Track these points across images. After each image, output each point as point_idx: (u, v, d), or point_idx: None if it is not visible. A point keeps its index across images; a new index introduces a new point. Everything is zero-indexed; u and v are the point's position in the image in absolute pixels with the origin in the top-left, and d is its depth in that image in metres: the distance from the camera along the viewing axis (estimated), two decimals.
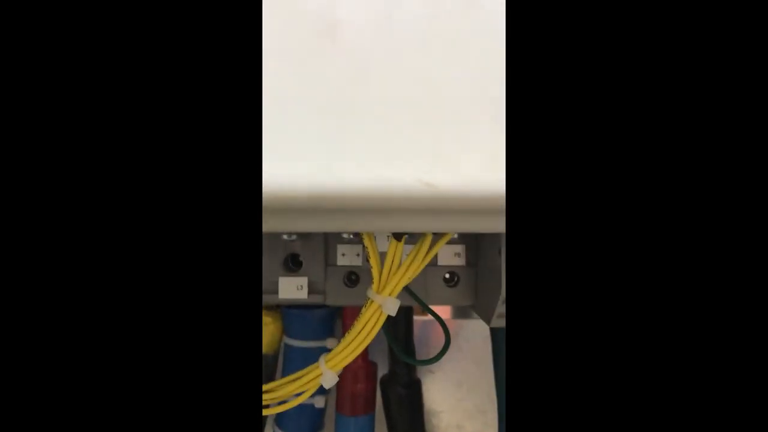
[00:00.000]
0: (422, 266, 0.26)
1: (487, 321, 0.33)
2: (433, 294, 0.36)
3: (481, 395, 0.63)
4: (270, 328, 0.43)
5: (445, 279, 0.36)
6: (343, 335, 0.44)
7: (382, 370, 0.46)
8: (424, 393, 0.62)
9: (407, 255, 0.26)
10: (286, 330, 0.42)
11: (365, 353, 0.43)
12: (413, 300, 0.34)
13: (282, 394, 0.29)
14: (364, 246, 0.35)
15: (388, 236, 0.27)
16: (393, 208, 0.19)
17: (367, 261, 0.27)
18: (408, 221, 0.21)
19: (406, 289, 0.34)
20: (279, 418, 0.43)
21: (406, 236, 0.25)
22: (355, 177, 0.18)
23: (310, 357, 0.42)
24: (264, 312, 0.40)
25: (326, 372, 0.27)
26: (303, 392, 0.29)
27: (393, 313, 0.26)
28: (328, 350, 0.42)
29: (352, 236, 0.35)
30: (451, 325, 0.62)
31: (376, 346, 0.50)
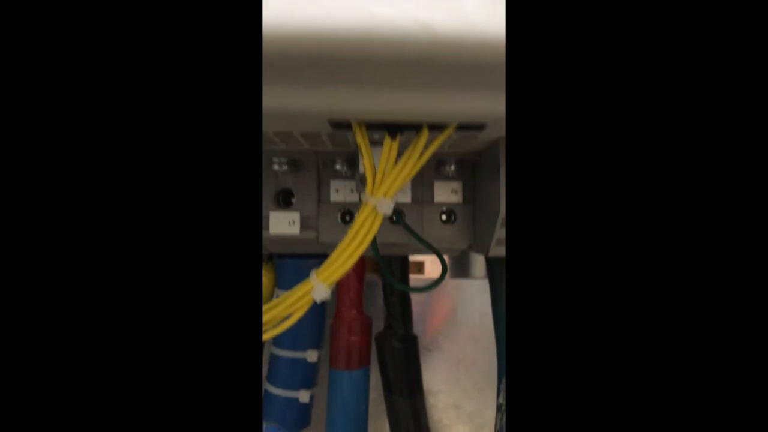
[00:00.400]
0: (419, 166, 0.25)
1: (486, 251, 0.32)
2: (430, 232, 0.35)
3: (480, 374, 0.62)
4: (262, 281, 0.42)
5: (441, 217, 0.35)
6: (337, 290, 0.43)
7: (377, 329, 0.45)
8: (423, 372, 0.60)
9: (402, 156, 0.25)
10: (279, 281, 0.41)
11: (360, 306, 0.42)
12: (410, 235, 0.33)
13: (272, 316, 0.27)
14: (357, 184, 0.34)
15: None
16: (384, 56, 0.18)
17: (362, 181, 0.26)
18: (400, 85, 0.20)
19: (404, 224, 0.33)
20: (270, 375, 0.41)
21: (401, 135, 0.24)
22: (341, 15, 0.17)
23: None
24: None
25: (317, 285, 0.26)
26: (294, 312, 0.27)
27: (389, 213, 0.25)
28: (322, 303, 0.41)
29: (345, 168, 0.34)
30: (449, 292, 0.60)
31: (371, 305, 0.49)
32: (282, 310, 0.28)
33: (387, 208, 0.25)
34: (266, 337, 0.29)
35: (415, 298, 0.63)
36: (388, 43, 0.17)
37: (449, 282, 0.60)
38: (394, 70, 0.19)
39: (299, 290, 0.27)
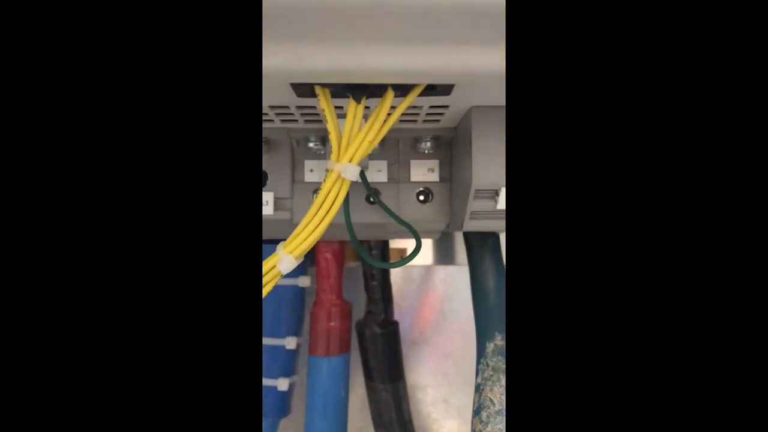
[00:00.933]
0: (385, 129, 0.24)
1: (460, 226, 0.31)
2: (407, 212, 0.34)
3: (468, 367, 0.61)
4: None
5: (419, 198, 0.34)
6: (316, 276, 0.42)
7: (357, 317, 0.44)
8: (411, 367, 0.59)
9: (367, 120, 0.24)
10: None
11: (339, 292, 0.41)
12: (385, 213, 0.32)
13: None
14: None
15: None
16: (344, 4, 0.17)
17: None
18: (361, 38, 0.19)
19: (379, 202, 0.32)
20: None
21: (365, 98, 0.24)
22: None
23: (283, 297, 0.40)
24: None
25: (284, 257, 0.25)
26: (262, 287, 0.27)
27: (355, 178, 0.24)
28: (301, 289, 0.40)
29: (319, 144, 0.33)
30: (436, 285, 0.60)
31: (351, 292, 0.48)
32: None
33: (352, 174, 0.24)
34: None
35: (402, 291, 0.62)
36: None
37: (436, 274, 0.60)
38: (354, 22, 0.18)
39: (265, 264, 0.26)
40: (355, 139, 0.24)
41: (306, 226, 0.25)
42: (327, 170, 0.25)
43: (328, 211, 0.25)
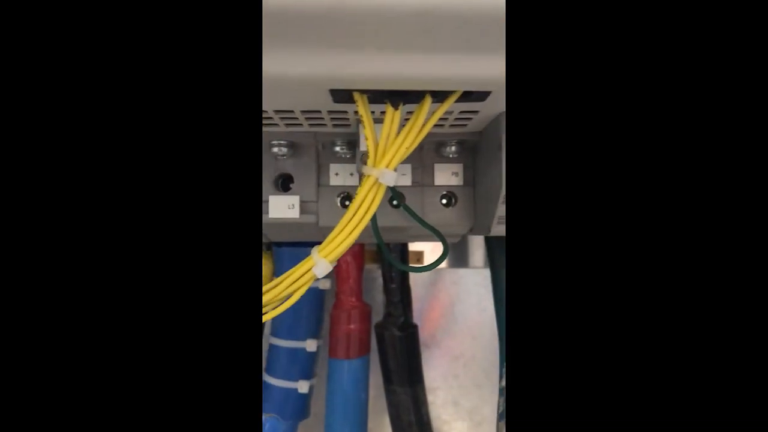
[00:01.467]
0: (422, 135, 0.25)
1: (487, 230, 0.31)
2: (431, 216, 0.34)
3: (478, 370, 0.61)
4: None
5: (442, 201, 0.35)
6: (335, 276, 0.42)
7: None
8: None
9: (404, 127, 0.25)
10: (277, 270, 0.41)
11: (359, 294, 0.41)
12: (410, 218, 0.32)
13: (272, 297, 0.27)
14: (357, 164, 0.34)
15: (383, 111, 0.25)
16: (387, 14, 0.17)
17: (363, 159, 0.26)
18: (403, 47, 0.20)
19: (405, 206, 0.33)
20: (269, 365, 0.41)
21: (403, 105, 0.24)
22: None
23: (303, 300, 0.41)
24: None
25: (319, 261, 0.25)
26: (296, 291, 0.27)
27: (391, 184, 0.24)
28: (321, 291, 0.41)
29: (345, 149, 0.33)
30: (446, 287, 0.60)
31: (371, 297, 0.49)
32: (282, 290, 0.27)
33: (389, 180, 0.24)
34: (266, 317, 0.28)
35: (413, 293, 0.62)
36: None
37: (447, 276, 0.60)
38: (396, 30, 0.19)
39: (300, 268, 0.26)
40: (392, 145, 0.24)
41: (341, 231, 0.25)
42: (363, 175, 0.25)
43: (363, 216, 0.25)
